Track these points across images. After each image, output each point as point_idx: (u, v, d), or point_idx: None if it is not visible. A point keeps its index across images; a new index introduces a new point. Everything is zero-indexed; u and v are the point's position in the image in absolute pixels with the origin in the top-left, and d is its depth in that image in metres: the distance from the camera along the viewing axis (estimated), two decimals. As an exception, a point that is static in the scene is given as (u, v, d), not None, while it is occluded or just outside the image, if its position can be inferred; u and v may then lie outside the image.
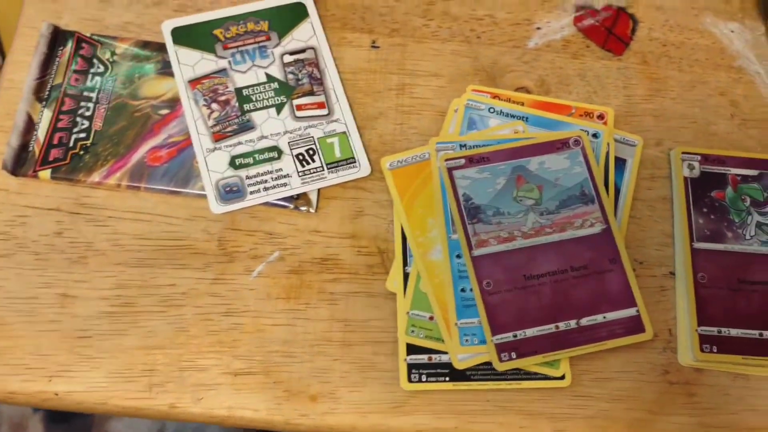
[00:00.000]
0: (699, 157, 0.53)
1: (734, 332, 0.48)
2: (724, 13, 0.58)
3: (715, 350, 0.48)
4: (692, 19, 0.58)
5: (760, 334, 0.48)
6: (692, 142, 0.54)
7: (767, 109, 0.55)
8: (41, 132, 0.49)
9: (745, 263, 0.50)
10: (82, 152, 0.49)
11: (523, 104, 0.53)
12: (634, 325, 0.48)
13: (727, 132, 0.54)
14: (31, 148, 0.49)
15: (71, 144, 0.49)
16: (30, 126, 0.50)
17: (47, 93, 0.51)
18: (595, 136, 0.52)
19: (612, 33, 0.57)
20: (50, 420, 1.08)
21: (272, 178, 0.49)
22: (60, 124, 0.50)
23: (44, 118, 0.50)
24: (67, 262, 0.47)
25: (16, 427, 1.08)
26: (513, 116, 0.53)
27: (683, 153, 0.53)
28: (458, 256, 0.49)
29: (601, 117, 0.54)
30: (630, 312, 0.48)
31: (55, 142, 0.49)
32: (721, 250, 0.50)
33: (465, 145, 0.51)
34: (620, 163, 0.53)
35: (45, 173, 0.48)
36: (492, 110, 0.53)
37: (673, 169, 0.53)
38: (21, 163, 0.49)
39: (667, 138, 0.54)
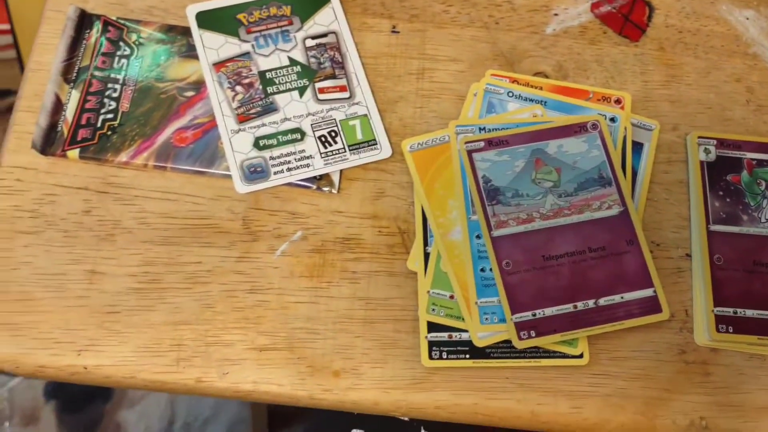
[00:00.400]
0: (715, 142, 0.53)
1: (750, 313, 0.49)
2: (740, 0, 0.59)
3: (731, 330, 0.49)
4: (708, 6, 0.59)
5: (775, 315, 0.49)
6: (708, 127, 0.55)
7: (782, 95, 0.56)
8: (69, 112, 0.50)
9: (761, 246, 0.51)
10: (109, 132, 0.50)
11: (541, 89, 0.54)
12: (651, 306, 0.49)
13: (742, 117, 0.55)
14: (59, 128, 0.50)
15: (99, 124, 0.50)
16: (58, 106, 0.51)
17: (75, 75, 0.52)
18: (612, 120, 0.53)
19: (629, 19, 0.58)
20: (62, 410, 1.09)
21: (295, 159, 0.50)
22: (88, 105, 0.51)
23: (72, 98, 0.51)
24: (95, 240, 0.48)
25: (29, 418, 1.09)
26: (531, 100, 0.54)
27: (699, 137, 0.53)
28: (478, 237, 0.49)
29: (618, 102, 0.54)
30: (647, 293, 0.49)
31: (83, 122, 0.50)
32: (736, 232, 0.51)
33: (484, 129, 0.52)
34: (637, 147, 0.54)
35: (73, 153, 0.49)
36: (511, 94, 0.54)
37: (690, 153, 0.54)
38: (50, 143, 0.50)
39: (683, 123, 0.55)
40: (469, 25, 0.56)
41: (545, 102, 0.54)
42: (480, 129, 0.52)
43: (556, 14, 0.57)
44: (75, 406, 1.10)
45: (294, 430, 1.04)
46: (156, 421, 1.11)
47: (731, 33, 0.58)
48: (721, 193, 0.52)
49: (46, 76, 0.52)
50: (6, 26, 1.08)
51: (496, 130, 0.52)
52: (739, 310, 0.49)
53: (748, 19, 0.58)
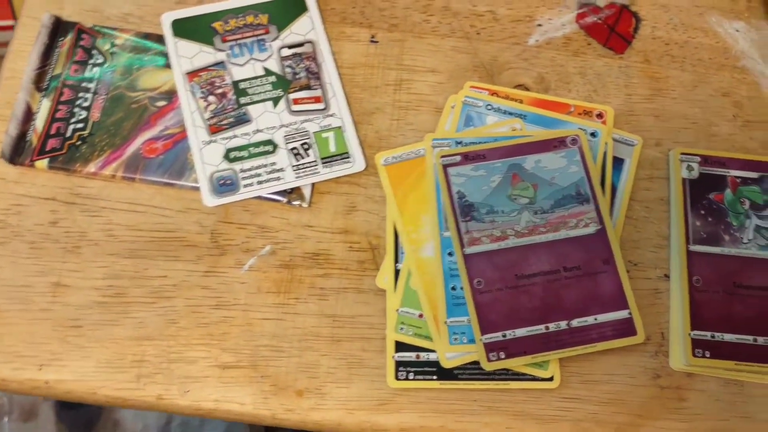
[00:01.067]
0: (699, 158, 0.52)
1: (728, 337, 0.48)
2: (730, 12, 0.57)
3: (708, 355, 0.47)
4: (697, 18, 0.57)
5: (755, 340, 0.48)
6: (693, 143, 0.53)
7: (771, 111, 0.54)
8: (39, 121, 0.50)
9: (742, 267, 0.49)
10: (79, 142, 0.49)
11: (521, 102, 0.53)
12: (626, 328, 0.47)
13: (729, 133, 0.54)
14: (29, 138, 0.50)
15: (68, 134, 0.50)
16: (29, 115, 0.50)
17: (47, 83, 0.51)
18: (593, 135, 0.52)
19: (614, 31, 0.56)
20: (61, 407, 1.10)
21: (266, 172, 0.50)
22: (58, 114, 0.50)
23: (43, 107, 0.50)
24: (62, 252, 0.48)
25: (27, 414, 1.09)
26: (511, 114, 0.52)
27: (682, 154, 0.52)
28: (450, 254, 0.48)
29: (600, 116, 0.53)
30: (622, 314, 0.47)
31: (53, 132, 0.50)
32: (717, 253, 0.50)
33: (461, 142, 0.51)
34: (618, 162, 0.52)
35: (42, 163, 0.49)
36: (489, 107, 0.53)
37: (672, 170, 0.52)
38: (19, 152, 0.49)
39: (667, 138, 0.53)
40: (450, 35, 0.55)
41: (525, 116, 0.52)
42: (457, 143, 0.51)
43: (539, 24, 0.56)
44: (73, 403, 1.10)
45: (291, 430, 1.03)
46: (154, 419, 1.11)
47: (720, 45, 0.56)
48: (702, 212, 0.51)
49: (19, 84, 0.51)
50: (10, 22, 1.08)
51: (473, 143, 0.51)
52: (717, 334, 0.48)
53: (738, 31, 0.57)
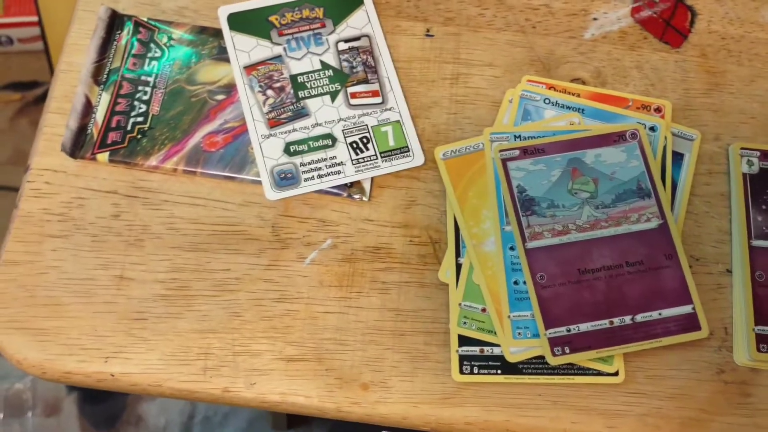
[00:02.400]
0: (758, 153, 0.52)
1: (792, 332, 0.48)
2: (787, 6, 0.57)
3: (772, 350, 0.47)
4: (752, 12, 0.57)
5: (819, 335, 0.48)
6: (752, 138, 0.53)
7: (830, 105, 0.54)
8: (99, 115, 0.50)
9: (805, 262, 0.49)
10: (139, 136, 0.49)
11: (578, 96, 0.53)
12: (690, 323, 0.47)
13: (787, 128, 0.53)
14: (89, 131, 0.50)
15: (129, 127, 0.50)
16: (88, 109, 0.50)
17: (105, 76, 0.51)
18: (652, 129, 0.52)
19: (670, 25, 0.56)
20: (84, 401, 1.10)
21: (326, 166, 0.49)
22: (118, 108, 0.50)
23: (102, 101, 0.50)
24: (124, 245, 0.48)
25: (51, 408, 1.09)
26: (568, 108, 0.52)
27: (742, 148, 0.52)
28: (512, 248, 0.48)
29: (658, 110, 0.53)
30: (686, 309, 0.47)
31: (113, 125, 0.50)
32: (780, 248, 0.49)
33: (519, 136, 0.51)
34: (677, 157, 0.52)
35: (103, 156, 0.49)
36: (547, 101, 0.52)
37: (732, 165, 0.52)
38: (79, 146, 0.49)
39: (725, 133, 0.53)
40: (505, 28, 0.55)
41: (583, 110, 0.52)
42: (515, 137, 0.51)
43: (595, 18, 0.56)
44: (97, 398, 1.10)
45: (313, 427, 1.04)
46: (176, 415, 1.11)
47: (777, 40, 0.56)
48: (764, 207, 0.50)
49: (77, 78, 0.51)
50: (34, 18, 1.09)
51: (531, 138, 0.51)
52: (781, 329, 0.48)
53: (794, 25, 0.56)
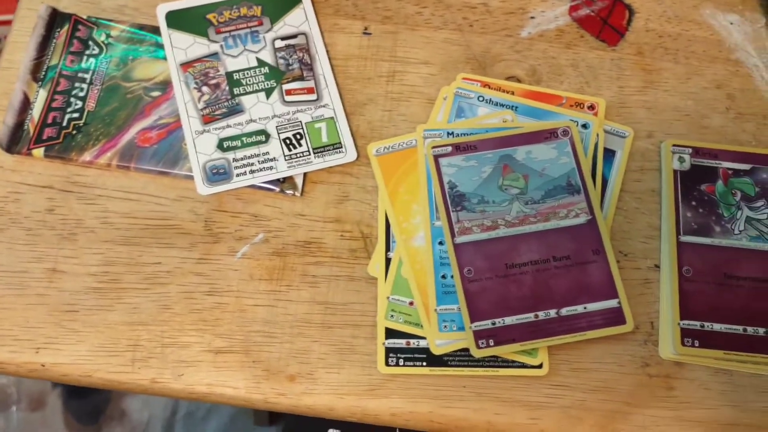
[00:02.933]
0: (690, 150, 0.52)
1: (717, 327, 0.48)
2: (724, 4, 0.57)
3: (696, 344, 0.48)
4: (690, 11, 0.57)
5: (744, 330, 0.48)
6: (685, 135, 0.53)
7: (763, 102, 0.54)
8: (36, 111, 0.51)
9: (732, 258, 0.50)
10: (74, 132, 0.50)
11: (513, 93, 0.53)
12: (615, 317, 0.48)
13: (721, 125, 0.54)
14: (26, 127, 0.50)
15: (64, 123, 0.50)
16: (26, 105, 0.51)
17: (43, 73, 0.52)
18: (584, 126, 0.52)
19: (607, 23, 0.57)
20: (68, 396, 1.11)
21: (259, 161, 0.50)
22: (54, 104, 0.51)
23: (40, 97, 0.51)
24: (58, 238, 0.48)
25: (36, 402, 1.10)
26: (502, 105, 0.53)
27: (674, 145, 0.52)
28: (441, 243, 0.49)
29: (591, 108, 0.53)
30: (611, 303, 0.48)
31: (50, 121, 0.50)
32: (707, 244, 0.50)
33: (452, 133, 0.51)
34: (609, 154, 0.53)
35: (38, 151, 0.50)
36: (481, 99, 0.53)
37: (663, 162, 0.52)
38: (16, 141, 0.50)
39: (659, 130, 0.54)
40: (443, 27, 0.55)
41: (516, 107, 0.53)
42: (448, 134, 0.52)
43: (532, 17, 0.56)
44: (81, 393, 1.11)
45: (289, 420, 1.04)
46: (160, 410, 1.12)
47: (714, 38, 0.57)
48: (693, 203, 0.51)
49: (16, 75, 0.52)
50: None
51: (464, 135, 0.51)
52: (706, 323, 0.48)
53: (732, 23, 0.57)
